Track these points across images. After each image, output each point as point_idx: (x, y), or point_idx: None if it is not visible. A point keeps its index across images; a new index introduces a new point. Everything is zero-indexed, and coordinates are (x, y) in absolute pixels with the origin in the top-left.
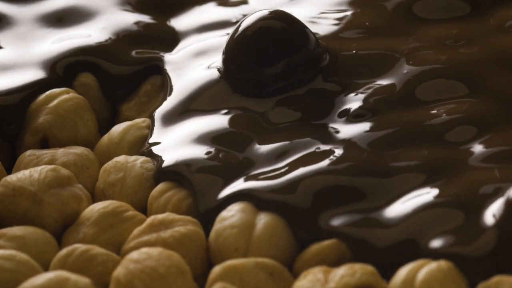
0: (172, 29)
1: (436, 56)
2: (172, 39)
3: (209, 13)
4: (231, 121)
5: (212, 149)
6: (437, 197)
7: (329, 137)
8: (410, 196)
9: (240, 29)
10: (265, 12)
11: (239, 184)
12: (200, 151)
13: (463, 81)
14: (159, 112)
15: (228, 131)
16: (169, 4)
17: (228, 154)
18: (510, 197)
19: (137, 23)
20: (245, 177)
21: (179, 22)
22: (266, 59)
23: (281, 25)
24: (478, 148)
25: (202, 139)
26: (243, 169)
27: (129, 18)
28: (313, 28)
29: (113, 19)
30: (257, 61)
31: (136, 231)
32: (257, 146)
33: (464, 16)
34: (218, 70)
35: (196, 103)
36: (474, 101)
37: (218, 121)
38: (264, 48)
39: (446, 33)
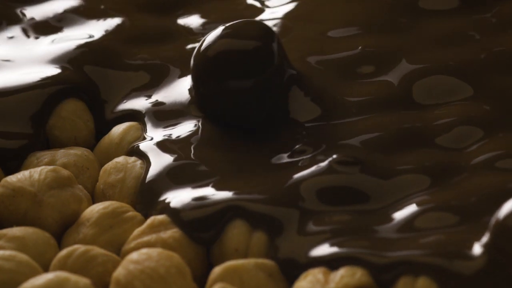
0: (172, 30)
1: (435, 55)
2: (172, 39)
3: (210, 13)
4: (204, 133)
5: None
6: (435, 202)
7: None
8: (407, 200)
9: (201, 48)
10: (224, 30)
11: (224, 201)
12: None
13: (465, 82)
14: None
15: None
16: (171, 4)
17: (207, 176)
18: (499, 219)
19: (136, 24)
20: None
21: (179, 22)
22: (230, 79)
23: (241, 45)
24: (479, 151)
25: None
26: (219, 183)
27: (129, 19)
28: (305, 27)
29: (112, 21)
30: (220, 79)
31: (136, 231)
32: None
33: (464, 14)
34: (190, 89)
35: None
36: (476, 103)
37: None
38: (225, 67)
39: (446, 31)
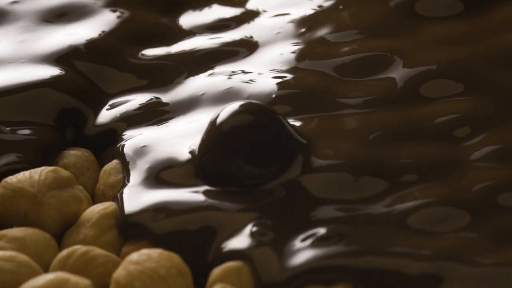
0: (173, 29)
1: (434, 55)
2: (172, 39)
3: (210, 13)
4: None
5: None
6: (432, 197)
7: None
8: (405, 195)
9: (214, 126)
10: (237, 108)
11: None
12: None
13: (461, 80)
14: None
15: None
16: (171, 3)
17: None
18: None
19: (138, 23)
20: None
21: (181, 22)
22: (242, 156)
23: (256, 123)
24: (476, 147)
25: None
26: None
27: (129, 18)
28: (305, 31)
29: (111, 19)
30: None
31: None
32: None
33: (462, 14)
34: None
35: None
36: (473, 99)
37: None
38: (238, 145)
39: (444, 31)
